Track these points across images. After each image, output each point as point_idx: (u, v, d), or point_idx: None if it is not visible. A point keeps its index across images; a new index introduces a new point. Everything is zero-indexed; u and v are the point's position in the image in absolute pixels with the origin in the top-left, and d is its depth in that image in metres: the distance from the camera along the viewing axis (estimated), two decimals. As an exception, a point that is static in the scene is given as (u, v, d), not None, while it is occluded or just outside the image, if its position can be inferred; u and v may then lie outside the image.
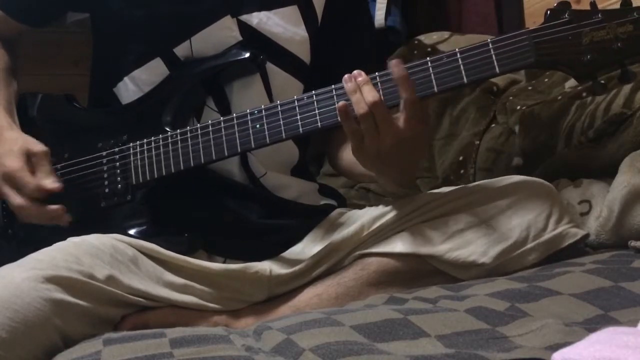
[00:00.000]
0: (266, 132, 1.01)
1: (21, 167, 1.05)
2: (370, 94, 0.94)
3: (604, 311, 0.77)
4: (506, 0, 1.96)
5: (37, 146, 1.08)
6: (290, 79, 1.15)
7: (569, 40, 0.92)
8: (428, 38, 1.80)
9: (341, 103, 0.95)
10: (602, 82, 0.94)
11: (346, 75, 0.96)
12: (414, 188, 1.08)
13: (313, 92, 0.99)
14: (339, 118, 0.97)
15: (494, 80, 1.67)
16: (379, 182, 1.12)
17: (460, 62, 0.94)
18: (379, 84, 0.96)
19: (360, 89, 0.95)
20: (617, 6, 0.92)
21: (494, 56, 0.93)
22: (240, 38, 1.11)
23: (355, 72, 0.96)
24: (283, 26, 1.14)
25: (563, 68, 0.94)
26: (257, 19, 1.13)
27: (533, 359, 0.63)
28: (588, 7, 0.93)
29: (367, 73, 0.97)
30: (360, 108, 0.94)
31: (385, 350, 0.68)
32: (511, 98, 1.54)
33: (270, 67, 1.13)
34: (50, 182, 1.06)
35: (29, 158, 1.06)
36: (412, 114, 0.93)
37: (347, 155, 1.18)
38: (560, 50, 0.92)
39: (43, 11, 1.23)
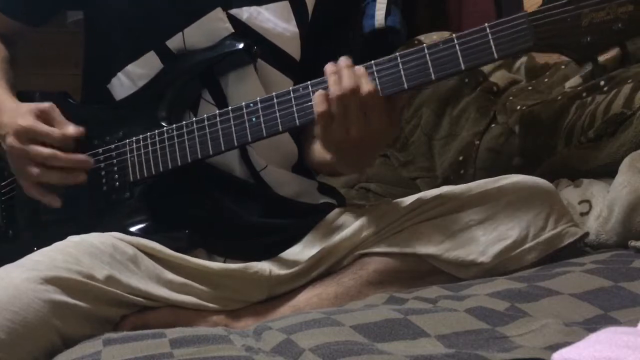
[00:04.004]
0: (262, 125, 1.00)
1: (36, 121, 1.05)
2: (347, 78, 0.93)
3: (604, 311, 0.76)
4: (506, 0, 1.96)
5: (43, 103, 1.08)
6: (280, 75, 1.14)
7: (568, 22, 0.89)
8: (428, 38, 1.80)
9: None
10: (602, 64, 0.92)
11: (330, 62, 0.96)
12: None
13: (309, 82, 0.98)
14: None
15: (494, 80, 1.67)
16: (335, 166, 1.10)
17: (457, 48, 0.92)
18: (374, 72, 0.95)
19: (339, 72, 0.94)
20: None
21: (491, 41, 0.91)
22: (232, 30, 1.10)
23: (342, 57, 0.96)
24: (273, 22, 1.13)
25: (563, 51, 0.92)
26: (248, 13, 1.12)
27: (533, 359, 0.63)
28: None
29: None
30: (335, 90, 0.93)
31: (385, 350, 0.68)
32: (511, 98, 1.55)
33: (259, 63, 1.12)
34: (72, 128, 1.06)
35: (38, 117, 1.06)
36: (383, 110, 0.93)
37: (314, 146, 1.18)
38: (559, 32, 0.90)
39: (38, 9, 1.22)
